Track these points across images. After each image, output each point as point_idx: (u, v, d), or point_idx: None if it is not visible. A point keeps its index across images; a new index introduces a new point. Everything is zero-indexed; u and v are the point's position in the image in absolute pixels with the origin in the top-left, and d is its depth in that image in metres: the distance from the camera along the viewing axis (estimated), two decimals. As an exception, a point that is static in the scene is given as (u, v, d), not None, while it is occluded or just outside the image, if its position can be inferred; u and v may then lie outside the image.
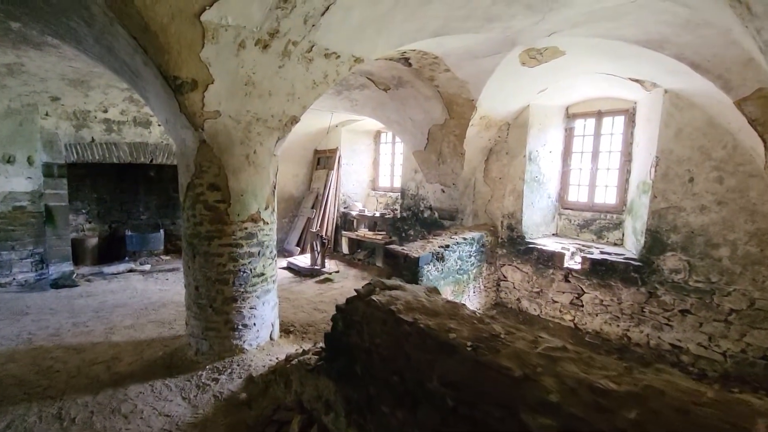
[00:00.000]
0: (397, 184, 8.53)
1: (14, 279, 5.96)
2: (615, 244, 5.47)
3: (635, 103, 5.27)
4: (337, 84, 5.59)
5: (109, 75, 5.24)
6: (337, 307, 2.34)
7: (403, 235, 7.61)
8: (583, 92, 5.45)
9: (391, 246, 4.77)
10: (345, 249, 8.75)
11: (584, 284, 5.08)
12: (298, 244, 8.76)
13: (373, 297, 2.08)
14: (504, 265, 5.99)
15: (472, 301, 5.50)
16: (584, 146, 5.90)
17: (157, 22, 2.50)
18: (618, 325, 4.84)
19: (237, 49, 2.89)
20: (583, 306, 5.12)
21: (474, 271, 5.44)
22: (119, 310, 5.14)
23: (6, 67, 4.87)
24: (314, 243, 7.35)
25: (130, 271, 6.94)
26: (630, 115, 5.38)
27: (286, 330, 4.28)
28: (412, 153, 6.64)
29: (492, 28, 3.54)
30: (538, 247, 5.55)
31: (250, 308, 3.58)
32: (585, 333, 5.08)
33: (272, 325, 3.86)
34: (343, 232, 8.72)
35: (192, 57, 2.78)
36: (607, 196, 5.67)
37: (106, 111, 6.27)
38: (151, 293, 5.95)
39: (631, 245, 5.09)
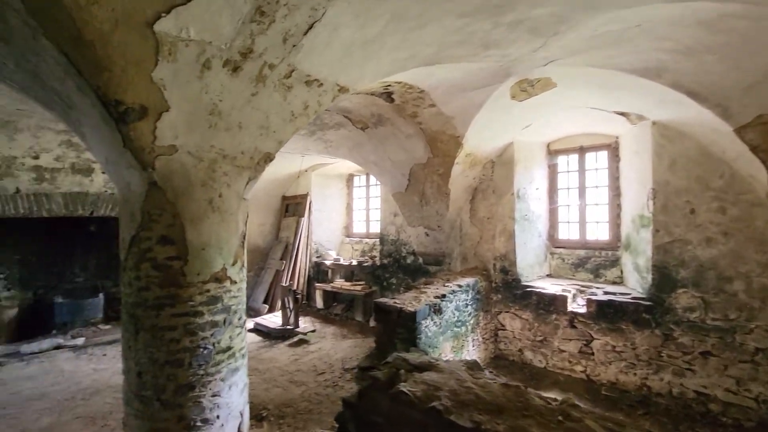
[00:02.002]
0: (373, 229, 7.99)
1: None
2: (614, 283, 5.15)
3: (617, 137, 5.22)
4: (310, 123, 5.16)
5: (41, 114, 4.49)
6: (345, 402, 1.67)
7: (385, 284, 6.96)
8: (564, 128, 5.35)
9: (382, 300, 4.13)
10: (319, 303, 7.90)
11: (592, 329, 4.63)
12: (265, 301, 7.82)
13: (403, 387, 1.44)
14: (501, 312, 5.46)
15: (472, 355, 4.87)
16: (570, 182, 5.74)
17: (95, 29, 1.92)
18: (635, 374, 4.37)
19: (201, 70, 2.35)
20: (593, 354, 4.63)
21: (472, 321, 4.87)
22: (35, 404, 4.02)
23: None
24: (286, 299, 6.51)
25: (57, 347, 5.70)
26: (613, 149, 5.31)
27: (257, 416, 3.42)
28: (391, 195, 6.20)
29: (488, 56, 3.27)
30: (537, 290, 5.12)
31: (213, 396, 2.75)
32: (600, 385, 4.55)
33: (241, 415, 3.00)
34: (316, 284, 7.92)
35: (141, 77, 2.20)
36: (599, 232, 5.44)
37: (36, 157, 5.38)
38: (82, 376, 4.80)
39: (635, 283, 4.77)
